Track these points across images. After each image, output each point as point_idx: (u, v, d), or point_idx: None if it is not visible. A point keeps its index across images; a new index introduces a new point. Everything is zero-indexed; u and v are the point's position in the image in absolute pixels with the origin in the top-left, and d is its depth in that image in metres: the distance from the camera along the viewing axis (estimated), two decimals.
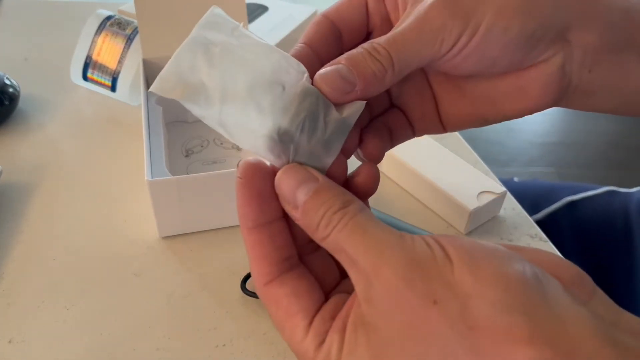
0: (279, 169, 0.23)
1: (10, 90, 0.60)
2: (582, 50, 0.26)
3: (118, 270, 0.45)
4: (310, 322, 0.22)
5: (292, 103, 0.23)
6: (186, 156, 0.56)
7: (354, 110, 0.24)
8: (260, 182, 0.23)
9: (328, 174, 0.24)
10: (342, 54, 0.25)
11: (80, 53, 0.62)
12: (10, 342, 0.39)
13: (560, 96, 0.27)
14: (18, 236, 0.47)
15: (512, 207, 0.54)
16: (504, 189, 0.51)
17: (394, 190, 0.56)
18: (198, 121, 0.60)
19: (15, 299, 0.42)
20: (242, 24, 0.24)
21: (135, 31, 0.61)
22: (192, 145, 0.58)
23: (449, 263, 0.19)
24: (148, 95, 0.54)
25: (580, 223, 0.63)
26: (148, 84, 0.56)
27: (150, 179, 0.44)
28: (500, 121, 0.29)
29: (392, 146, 0.30)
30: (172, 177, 0.44)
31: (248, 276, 0.43)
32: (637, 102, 0.29)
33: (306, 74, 0.24)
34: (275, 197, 0.23)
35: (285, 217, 0.24)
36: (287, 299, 0.23)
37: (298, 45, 0.27)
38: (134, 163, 0.55)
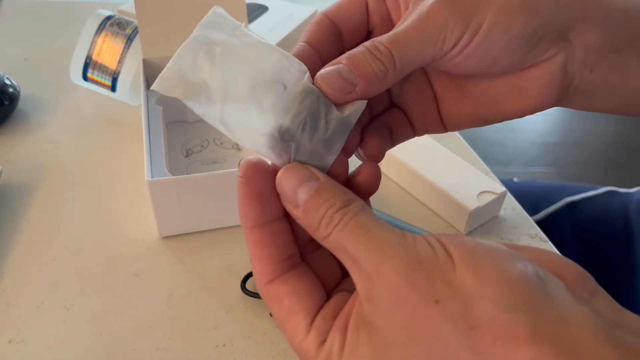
0: (280, 168, 0.23)
1: (10, 90, 0.60)
2: (584, 50, 0.26)
3: (118, 270, 0.45)
4: (312, 321, 0.22)
5: (294, 102, 0.23)
6: (186, 156, 0.56)
7: (355, 109, 0.24)
8: (261, 181, 0.23)
9: (329, 173, 0.24)
10: (343, 53, 0.25)
11: (80, 53, 0.62)
12: (10, 342, 0.39)
13: (561, 96, 0.27)
14: (18, 236, 0.47)
15: (512, 207, 0.54)
16: (504, 189, 0.51)
17: (394, 190, 0.56)
18: (198, 121, 0.60)
19: (15, 299, 0.42)
20: (243, 24, 0.25)
21: (135, 31, 0.61)
22: (192, 145, 0.58)
23: (450, 262, 0.19)
24: (148, 95, 0.54)
25: (580, 223, 0.63)
26: (148, 84, 0.56)
27: (150, 179, 0.44)
28: (500, 121, 0.29)
29: (392, 145, 0.30)
30: (172, 177, 0.44)
31: (248, 276, 0.43)
32: (638, 102, 0.29)
33: (307, 73, 0.24)
34: (277, 196, 0.23)
35: (287, 216, 0.24)
36: (288, 298, 0.23)
37: (299, 44, 0.27)
38: (134, 163, 0.55)
